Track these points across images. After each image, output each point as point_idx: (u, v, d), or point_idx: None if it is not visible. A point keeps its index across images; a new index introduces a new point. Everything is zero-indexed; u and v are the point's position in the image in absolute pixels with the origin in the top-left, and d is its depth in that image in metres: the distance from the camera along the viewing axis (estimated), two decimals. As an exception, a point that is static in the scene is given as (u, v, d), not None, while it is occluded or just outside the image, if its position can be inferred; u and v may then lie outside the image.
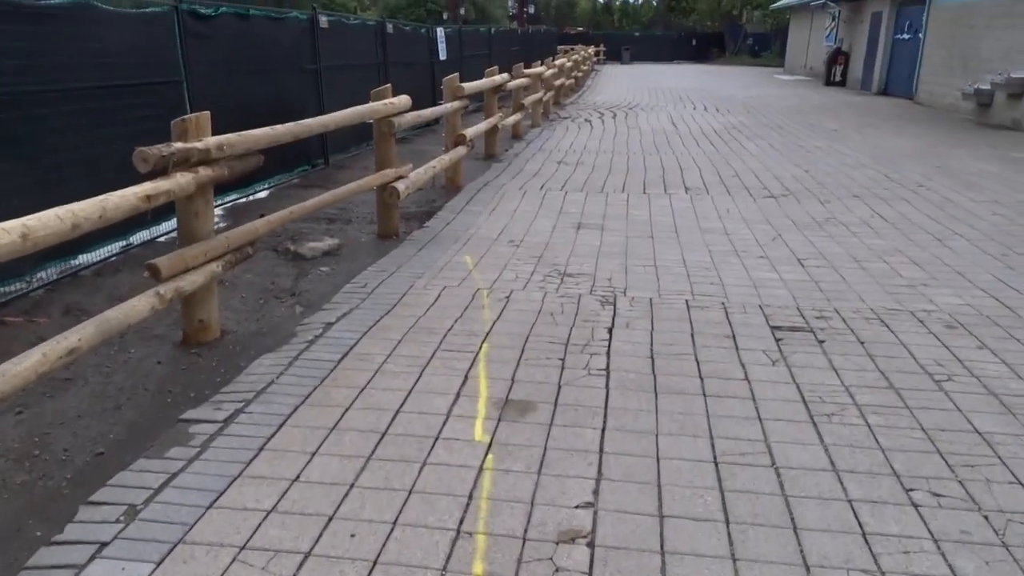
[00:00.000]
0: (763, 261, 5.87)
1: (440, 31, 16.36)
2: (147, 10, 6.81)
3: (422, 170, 6.94)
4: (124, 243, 6.22)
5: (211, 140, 3.88)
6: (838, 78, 26.35)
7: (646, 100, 21.03)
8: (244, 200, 8.20)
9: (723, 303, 4.89)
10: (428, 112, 7.54)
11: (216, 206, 7.69)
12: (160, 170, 3.55)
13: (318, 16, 9.99)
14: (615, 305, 4.82)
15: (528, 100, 13.43)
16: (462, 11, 55.90)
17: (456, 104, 8.37)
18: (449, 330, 4.36)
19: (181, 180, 3.63)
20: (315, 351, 4.08)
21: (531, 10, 57.74)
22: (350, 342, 4.18)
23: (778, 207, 7.79)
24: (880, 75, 22.91)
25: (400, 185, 6.17)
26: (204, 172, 3.83)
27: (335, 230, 6.89)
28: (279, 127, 4.51)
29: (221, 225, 7.20)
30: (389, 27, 12.98)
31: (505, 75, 10.90)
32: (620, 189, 8.66)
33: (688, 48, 52.71)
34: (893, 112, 17.80)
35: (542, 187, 8.78)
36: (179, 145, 3.67)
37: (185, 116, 3.88)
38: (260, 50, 8.55)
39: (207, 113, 3.97)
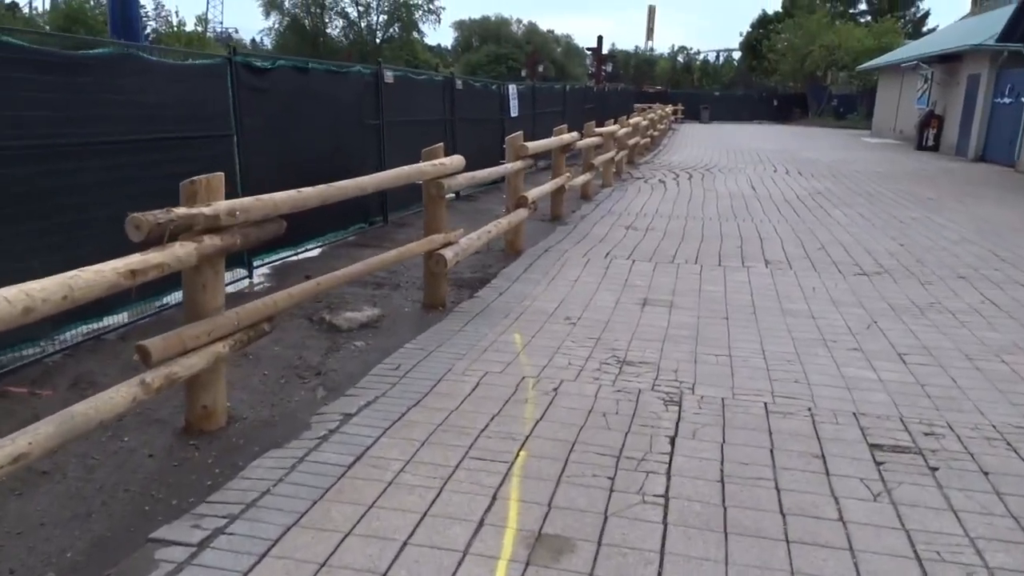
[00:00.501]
0: (856, 354, 5.10)
1: (512, 88, 16.11)
2: (197, 62, 6.57)
3: (476, 235, 6.43)
4: (159, 303, 5.86)
5: (221, 205, 3.43)
6: (931, 142, 25.10)
7: (724, 161, 20.31)
8: (294, 258, 7.84)
9: (810, 408, 4.15)
10: (484, 173, 7.05)
11: (262, 264, 7.36)
12: (156, 239, 3.09)
13: (383, 70, 9.74)
14: (680, 406, 4.14)
15: (599, 160, 12.92)
16: (541, 68, 56.48)
17: (518, 164, 7.89)
18: (483, 431, 3.75)
19: (179, 251, 3.17)
20: (325, 451, 3.52)
21: (609, 68, 57.95)
22: (366, 441, 3.61)
23: (871, 287, 6.98)
24: (977, 140, 21.66)
25: (448, 253, 5.65)
26: (210, 242, 3.37)
27: (380, 296, 6.41)
28: (306, 190, 4.05)
29: (266, 284, 6.83)
30: (458, 83, 12.73)
31: (574, 134, 10.43)
32: (693, 259, 7.98)
33: (769, 108, 51.75)
34: (994, 180, 16.62)
35: (607, 255, 8.17)
36: (181, 211, 3.22)
37: (195, 177, 3.44)
38: (319, 104, 8.27)
39: (220, 174, 3.53)
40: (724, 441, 3.71)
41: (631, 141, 18.49)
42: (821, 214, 11.34)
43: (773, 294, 6.67)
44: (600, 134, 12.97)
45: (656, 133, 26.64)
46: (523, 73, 53.01)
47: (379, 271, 5.79)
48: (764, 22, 57.68)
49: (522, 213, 7.92)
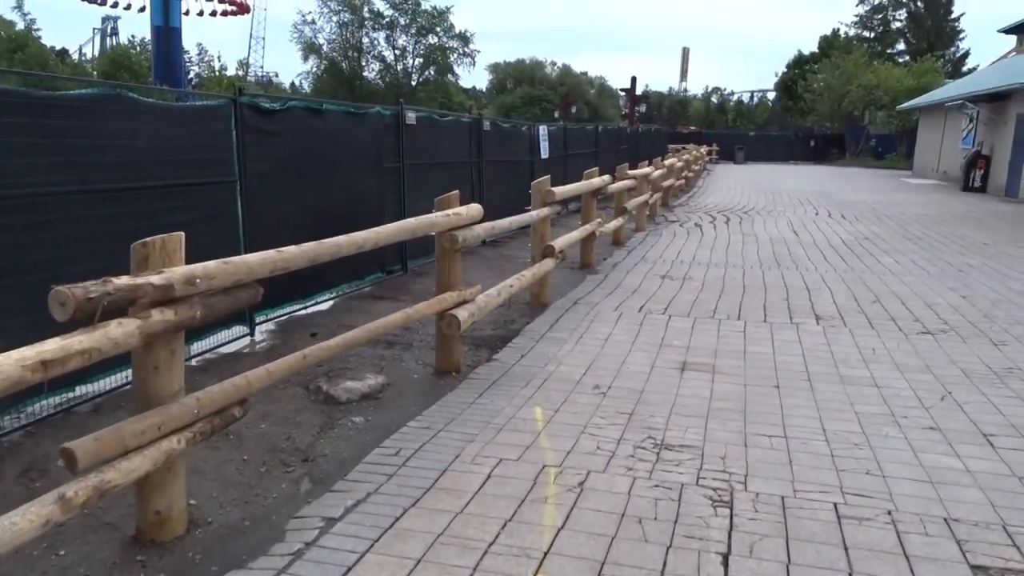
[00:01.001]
0: (934, 435, 4.35)
1: (543, 129, 15.64)
2: (198, 103, 6.12)
3: (495, 291, 5.82)
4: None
5: (177, 272, 2.85)
6: (977, 183, 24.15)
7: (762, 203, 19.58)
8: (302, 312, 7.28)
9: (890, 512, 3.43)
10: (506, 223, 6.41)
11: (266, 320, 6.80)
12: (86, 317, 2.52)
13: (404, 111, 9.27)
14: (732, 507, 3.44)
15: (632, 203, 12.31)
16: (574, 110, 56.40)
17: (544, 212, 7.30)
18: (492, 544, 3.09)
19: (115, 332, 2.59)
20: (294, 572, 2.88)
21: (642, 109, 57.64)
22: (348, 559, 2.96)
23: (938, 348, 6.21)
24: (1029, 181, 20.71)
25: (462, 313, 5.04)
26: (161, 317, 2.79)
27: (389, 359, 5.80)
28: (289, 250, 3.47)
29: (270, 343, 6.26)
30: (486, 124, 12.26)
31: (605, 177, 9.84)
32: (735, 315, 7.28)
33: (806, 149, 50.93)
34: (1051, 224, 15.69)
35: (641, 308, 7.50)
36: (122, 281, 2.64)
37: (147, 239, 2.87)
38: (334, 147, 7.79)
39: (179, 235, 2.97)
40: (789, 561, 3.01)
41: (665, 183, 17.89)
42: (871, 261, 10.57)
43: (828, 356, 5.94)
44: (633, 176, 12.37)
45: (691, 174, 26.03)
46: (556, 114, 52.90)
47: (384, 336, 5.18)
48: (800, 62, 57.16)
49: (548, 264, 7.31)
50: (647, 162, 14.69)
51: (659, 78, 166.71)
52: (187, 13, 50.80)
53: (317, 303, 7.54)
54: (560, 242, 7.77)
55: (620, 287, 8.57)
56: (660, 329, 6.71)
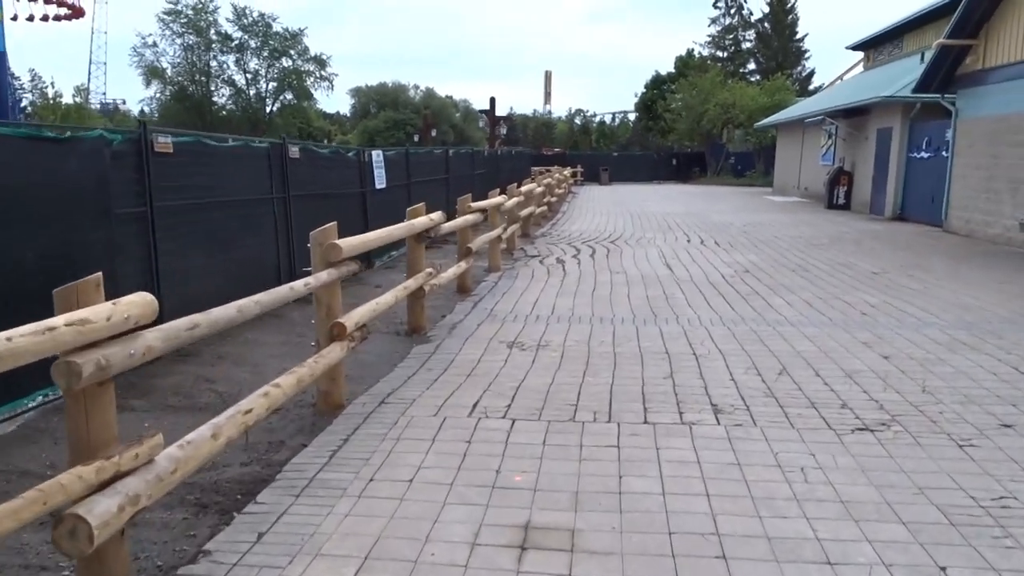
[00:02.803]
0: None
1: (376, 154, 13.33)
2: None
3: (209, 429, 3.44)
4: None
5: None
6: (841, 200, 23.67)
7: (630, 229, 17.98)
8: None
9: None
10: (228, 312, 3.88)
11: None
12: None
13: (153, 136, 6.75)
14: None
15: (479, 242, 10.16)
16: (434, 133, 54.34)
17: (323, 277, 4.98)
18: None
19: None
20: None
21: (503, 130, 56.29)
22: None
23: (890, 460, 4.33)
24: (894, 198, 20.15)
25: (102, 512, 2.64)
26: None
27: (17, 564, 3.32)
28: None
29: None
30: (294, 150, 9.82)
31: (435, 215, 7.63)
32: (604, 411, 5.19)
33: (669, 168, 50.89)
34: (928, 245, 14.76)
35: (474, 408, 5.28)
36: None
37: None
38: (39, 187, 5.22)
39: None
40: None
41: (524, 212, 15.94)
42: (759, 304, 8.86)
43: (743, 493, 3.92)
44: (479, 209, 10.25)
45: (554, 199, 24.37)
46: (416, 138, 50.69)
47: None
48: (658, 82, 57.46)
49: (336, 353, 5.01)
50: (499, 191, 12.65)
51: (525, 101, 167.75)
52: (15, 18, 45.49)
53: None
54: (360, 314, 5.48)
55: (452, 367, 6.34)
56: (496, 450, 4.51)
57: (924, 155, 18.72)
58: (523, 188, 15.86)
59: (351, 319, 5.25)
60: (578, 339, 7.17)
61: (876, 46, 30.32)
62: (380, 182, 13.27)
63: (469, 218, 9.54)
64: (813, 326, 7.72)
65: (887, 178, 20.56)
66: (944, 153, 17.41)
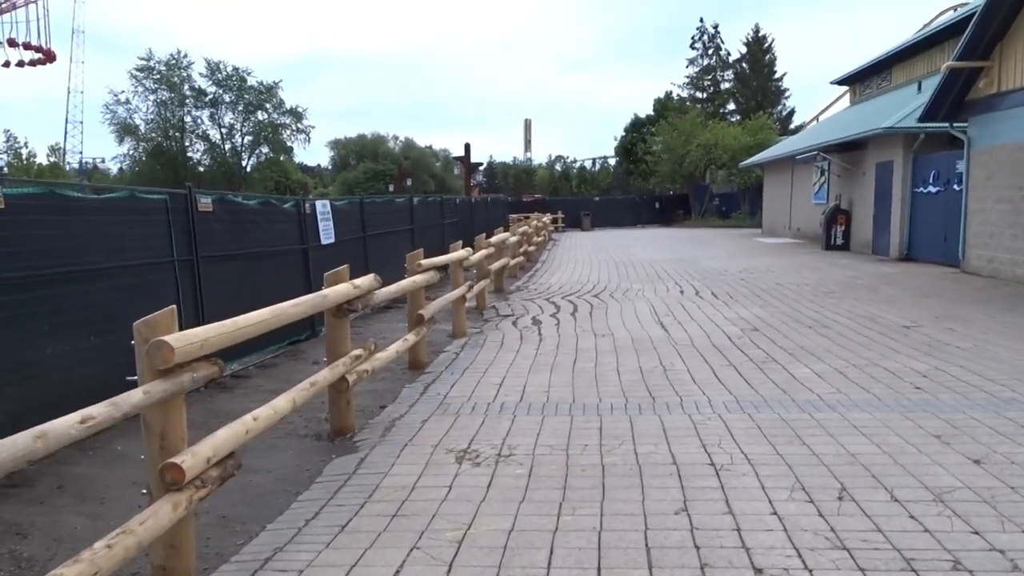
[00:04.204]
0: None
1: (323, 204, 11.57)
2: None
3: None
4: None
5: None
6: (839, 240, 22.12)
7: (615, 280, 16.25)
8: None
9: None
10: (17, 446, 2.20)
11: None
12: None
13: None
14: None
15: (432, 308, 8.33)
16: (409, 182, 52.89)
17: (156, 392, 3.16)
18: None
19: None
20: None
21: (479, 177, 54.95)
22: None
23: None
24: (900, 237, 18.59)
25: None
26: None
27: None
28: None
29: None
30: (204, 202, 8.04)
31: (366, 280, 5.83)
32: (591, 586, 3.35)
33: (652, 211, 49.52)
34: (952, 289, 13.10)
35: (391, 587, 3.43)
36: None
37: None
38: None
39: None
40: None
41: (496, 265, 14.20)
42: (782, 377, 7.08)
43: None
44: (431, 267, 8.48)
45: (532, 248, 22.68)
46: (391, 188, 49.21)
47: None
48: (637, 125, 56.49)
49: (165, 516, 3.16)
50: (461, 244, 10.90)
51: (505, 149, 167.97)
52: None
53: None
54: (218, 443, 3.63)
55: (374, 499, 4.47)
56: None
57: (932, 190, 17.20)
58: (494, 238, 14.12)
59: (198, 455, 3.41)
60: (553, 443, 5.33)
61: (862, 80, 29.23)
62: (327, 237, 11.49)
63: (419, 279, 7.75)
64: (859, 409, 5.93)
65: (890, 216, 19.02)
66: (956, 187, 15.89)
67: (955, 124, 15.54)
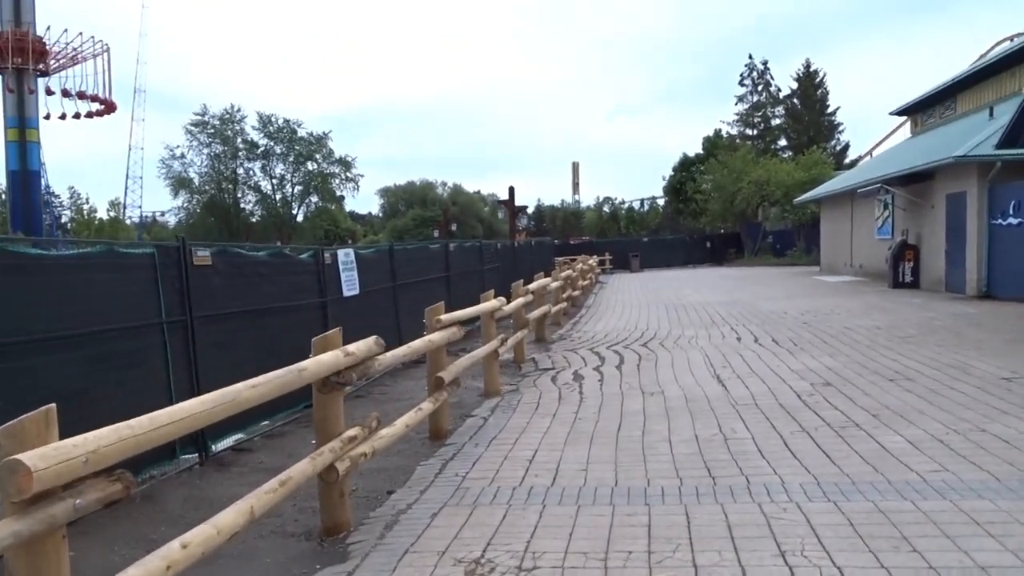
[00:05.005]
0: None
1: (346, 253, 10.77)
2: None
3: None
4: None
5: None
6: (908, 278, 20.60)
7: (665, 326, 15.08)
8: None
9: None
10: None
11: None
12: None
13: None
14: None
15: (454, 371, 7.30)
16: (454, 227, 52.46)
17: (10, 527, 2.23)
18: None
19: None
20: None
21: (524, 221, 54.30)
22: None
23: None
24: (977, 273, 17.07)
25: None
26: None
27: None
28: None
29: None
30: (201, 254, 7.24)
31: (358, 346, 4.88)
32: None
33: (702, 251, 48.11)
34: (1049, 330, 11.67)
35: None
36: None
37: None
38: None
39: None
40: None
41: (535, 313, 13.20)
42: (869, 448, 5.88)
43: None
44: (459, 322, 7.51)
45: (577, 292, 21.63)
46: (436, 233, 48.80)
47: None
48: (686, 164, 55.36)
49: None
50: (494, 293, 9.92)
51: (553, 192, 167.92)
52: (48, 117, 45.40)
53: None
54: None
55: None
56: None
57: (1013, 221, 15.74)
58: (533, 284, 13.15)
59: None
60: (588, 548, 4.24)
61: (924, 109, 27.82)
62: (351, 288, 10.65)
63: (435, 337, 6.77)
64: (976, 494, 4.72)
65: (965, 250, 17.53)
66: (1043, 217, 14.45)
67: (1037, 149, 14.17)
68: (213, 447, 7.13)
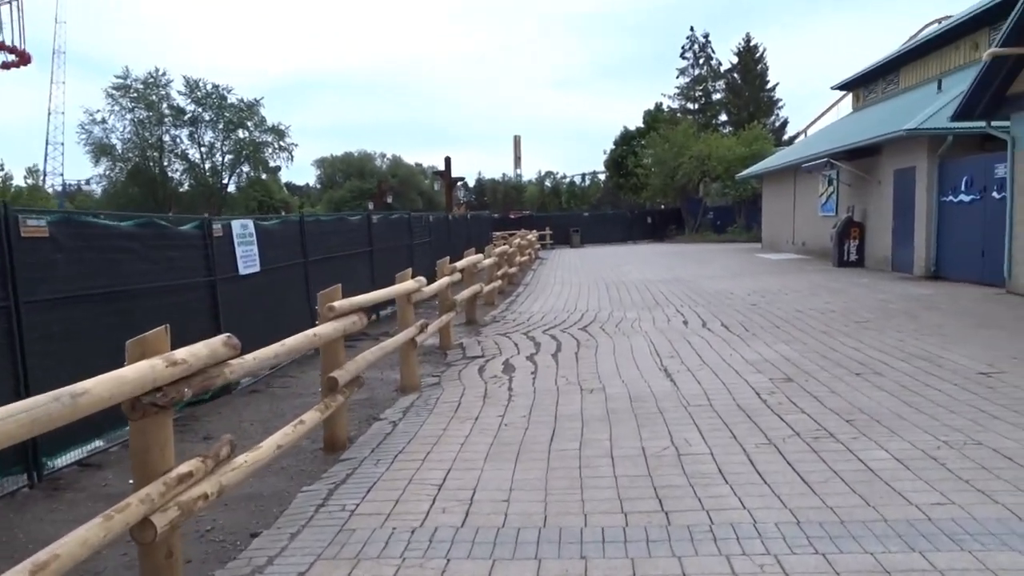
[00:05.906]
0: None
1: (242, 225, 9.31)
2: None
3: None
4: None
5: None
6: (853, 256, 20.00)
7: (607, 307, 14.02)
8: None
9: None
10: None
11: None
12: None
13: None
14: None
15: (353, 369, 6.03)
16: (389, 199, 50.68)
17: None
18: None
19: None
20: None
21: (461, 194, 52.86)
22: None
23: None
24: (926, 253, 16.44)
25: None
26: None
27: None
28: None
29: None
30: (33, 223, 5.77)
31: (185, 352, 3.58)
32: None
33: (643, 227, 47.36)
34: (1006, 314, 10.96)
35: None
36: None
37: None
38: None
39: None
40: None
41: (464, 294, 11.97)
42: (851, 468, 4.84)
43: None
44: (361, 308, 6.21)
45: (514, 269, 20.46)
46: (370, 206, 46.97)
47: None
48: (627, 138, 54.50)
49: None
50: (409, 274, 8.63)
51: (495, 166, 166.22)
52: None
53: None
54: None
55: None
56: None
57: (965, 198, 15.08)
58: (462, 262, 11.90)
59: None
60: (502, 636, 3.06)
61: (866, 84, 27.33)
62: (249, 265, 9.24)
63: (324, 330, 5.46)
64: (1000, 543, 3.70)
65: (913, 228, 16.89)
66: (996, 194, 13.78)
67: (994, 123, 13.46)
68: (50, 464, 5.75)
